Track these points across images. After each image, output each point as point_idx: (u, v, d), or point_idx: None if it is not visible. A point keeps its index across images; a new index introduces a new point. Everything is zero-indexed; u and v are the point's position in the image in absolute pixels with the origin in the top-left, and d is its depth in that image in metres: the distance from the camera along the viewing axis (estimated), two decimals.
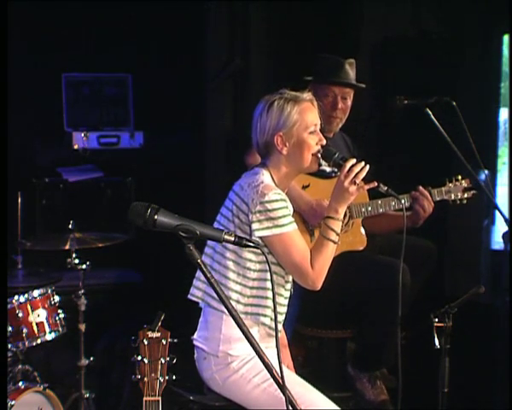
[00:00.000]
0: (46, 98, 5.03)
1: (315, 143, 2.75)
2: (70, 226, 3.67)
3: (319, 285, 2.71)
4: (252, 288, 2.72)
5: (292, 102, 2.73)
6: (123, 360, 4.02)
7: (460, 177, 3.71)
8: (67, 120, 5.11)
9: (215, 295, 2.68)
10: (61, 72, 5.08)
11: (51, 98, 5.06)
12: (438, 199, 3.66)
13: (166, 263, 4.48)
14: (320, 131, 3.67)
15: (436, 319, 2.71)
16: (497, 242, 5.02)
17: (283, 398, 2.06)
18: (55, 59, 4.99)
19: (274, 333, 2.70)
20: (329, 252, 2.71)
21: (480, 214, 4.77)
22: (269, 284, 2.70)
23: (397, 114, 4.03)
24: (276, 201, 2.65)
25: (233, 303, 2.67)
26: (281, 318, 2.78)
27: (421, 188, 3.62)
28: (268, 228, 2.64)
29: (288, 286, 2.80)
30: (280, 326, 2.81)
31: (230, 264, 2.72)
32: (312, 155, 2.75)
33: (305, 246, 2.71)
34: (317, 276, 2.69)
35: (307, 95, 2.77)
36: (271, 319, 2.72)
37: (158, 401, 2.15)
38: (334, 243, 2.71)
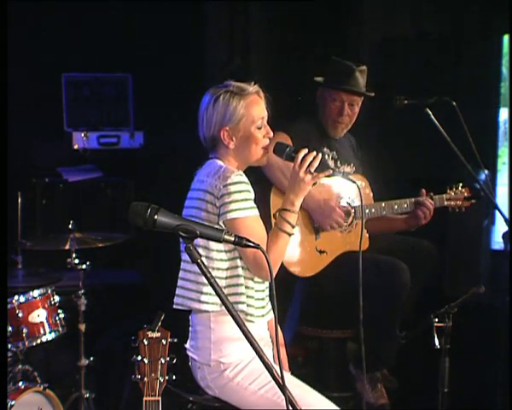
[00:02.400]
0: (46, 98, 5.03)
1: (262, 136, 2.74)
2: (70, 226, 3.67)
3: (272, 277, 2.70)
4: (226, 278, 2.69)
5: (238, 96, 2.70)
6: (123, 360, 4.02)
7: (460, 185, 3.75)
8: (67, 120, 5.12)
9: (194, 297, 2.70)
10: (61, 72, 5.08)
11: (51, 98, 5.06)
12: (438, 206, 3.69)
13: (166, 263, 4.47)
14: (326, 134, 3.69)
15: (436, 319, 2.71)
16: (497, 242, 5.02)
17: (282, 402, 2.05)
18: (55, 59, 4.99)
19: (251, 319, 2.70)
20: (284, 244, 2.69)
21: (480, 214, 4.76)
22: (240, 271, 2.68)
23: (397, 114, 4.02)
24: (240, 183, 2.63)
25: (212, 299, 2.68)
26: (257, 311, 2.75)
27: (425, 196, 3.64)
28: (232, 211, 2.61)
29: (257, 279, 2.76)
30: (261, 317, 2.80)
31: (203, 261, 2.70)
32: (261, 148, 2.74)
33: (264, 235, 2.68)
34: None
35: (253, 87, 2.75)
36: (247, 305, 2.70)
37: (158, 401, 2.15)
38: (289, 235, 2.69)
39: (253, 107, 2.72)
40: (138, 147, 5.13)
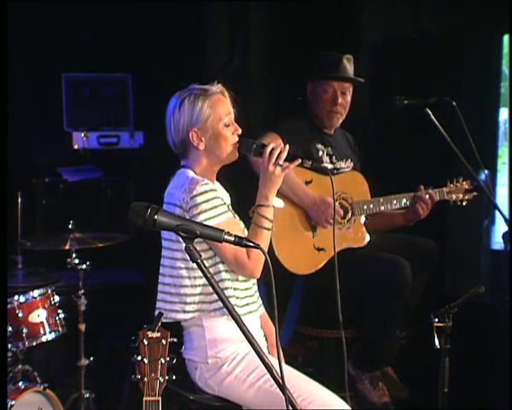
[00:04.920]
0: (46, 98, 5.03)
1: (231, 133, 2.75)
2: (70, 226, 3.67)
3: (257, 274, 2.71)
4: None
5: (202, 97, 2.72)
6: (123, 360, 4.02)
7: (461, 179, 3.74)
8: (67, 120, 5.11)
9: (178, 308, 2.70)
10: (61, 72, 5.08)
11: (51, 98, 5.06)
12: (438, 199, 3.68)
13: None
14: (321, 127, 3.71)
15: (436, 319, 2.71)
16: (497, 242, 5.02)
17: (280, 393, 2.06)
18: (55, 59, 4.99)
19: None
20: (264, 240, 2.69)
21: (480, 214, 4.76)
22: (223, 275, 2.69)
23: (397, 114, 4.02)
24: (206, 192, 2.64)
25: (199, 306, 2.69)
26: (245, 308, 2.76)
27: (423, 190, 3.63)
28: (203, 221, 2.61)
29: (242, 277, 2.76)
30: (254, 312, 2.81)
31: (183, 272, 2.71)
32: (230, 145, 2.75)
33: (241, 235, 2.69)
34: (255, 266, 2.68)
35: (217, 87, 2.77)
36: (236, 305, 2.70)
37: (158, 401, 2.15)
38: (268, 230, 2.70)
39: (219, 105, 2.74)
40: (138, 147, 5.13)
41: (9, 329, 3.29)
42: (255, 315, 2.83)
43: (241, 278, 2.76)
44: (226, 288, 2.70)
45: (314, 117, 3.71)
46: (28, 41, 4.84)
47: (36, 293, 3.42)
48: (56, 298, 3.51)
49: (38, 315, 3.40)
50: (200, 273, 2.62)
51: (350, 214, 3.60)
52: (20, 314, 3.34)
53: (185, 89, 2.79)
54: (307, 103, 3.73)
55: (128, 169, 5.10)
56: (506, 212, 3.69)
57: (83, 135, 4.98)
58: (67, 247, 3.61)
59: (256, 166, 3.30)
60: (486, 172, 3.69)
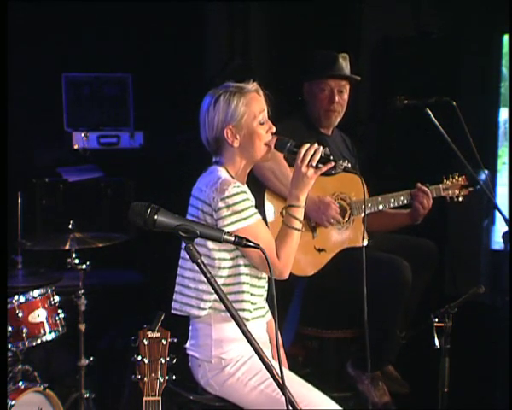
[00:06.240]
0: (46, 98, 5.03)
1: (265, 132, 2.75)
2: (70, 226, 3.66)
3: (286, 275, 2.72)
4: (228, 285, 2.70)
5: (238, 95, 2.72)
6: (123, 360, 4.02)
7: (457, 175, 3.74)
8: (67, 120, 5.11)
9: (194, 303, 2.71)
10: (61, 72, 5.08)
11: (51, 98, 5.06)
12: (435, 196, 3.69)
13: (166, 263, 4.47)
14: (318, 127, 3.70)
15: (436, 319, 2.71)
16: (497, 242, 5.03)
17: (281, 399, 2.05)
18: (55, 59, 4.99)
19: (250, 318, 2.71)
20: (294, 241, 2.70)
21: (480, 214, 4.77)
22: (243, 279, 2.70)
23: (397, 114, 4.02)
24: (237, 194, 2.64)
25: (212, 304, 2.70)
26: (256, 312, 2.76)
27: (419, 185, 3.63)
28: (232, 223, 2.62)
29: (264, 275, 2.78)
30: (261, 317, 2.81)
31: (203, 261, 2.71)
32: (264, 144, 2.75)
33: (270, 236, 2.70)
34: (284, 266, 2.69)
35: (252, 85, 2.77)
36: (250, 311, 2.71)
37: (158, 401, 2.15)
38: (298, 230, 2.71)
39: (254, 103, 2.73)
40: (138, 147, 5.13)
41: (9, 329, 3.29)
42: (263, 320, 2.82)
43: (258, 283, 2.76)
44: (243, 291, 2.70)
45: (311, 117, 3.70)
46: (28, 41, 4.84)
47: (36, 293, 3.42)
48: (56, 298, 3.51)
49: (38, 315, 3.40)
50: (220, 273, 2.68)
51: (349, 214, 3.60)
52: (20, 314, 3.34)
53: (220, 86, 2.77)
54: (304, 104, 3.73)
55: (128, 169, 5.10)
56: (506, 212, 3.69)
57: (83, 135, 4.98)
58: (67, 247, 3.60)
59: (259, 171, 3.31)
60: (486, 172, 3.70)
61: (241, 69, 5.10)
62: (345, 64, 3.66)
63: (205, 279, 2.65)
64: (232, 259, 2.71)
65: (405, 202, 3.66)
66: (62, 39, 4.94)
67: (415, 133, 4.47)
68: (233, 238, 2.05)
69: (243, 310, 2.70)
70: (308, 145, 2.71)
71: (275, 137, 2.79)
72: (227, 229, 2.60)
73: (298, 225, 2.70)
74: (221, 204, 2.63)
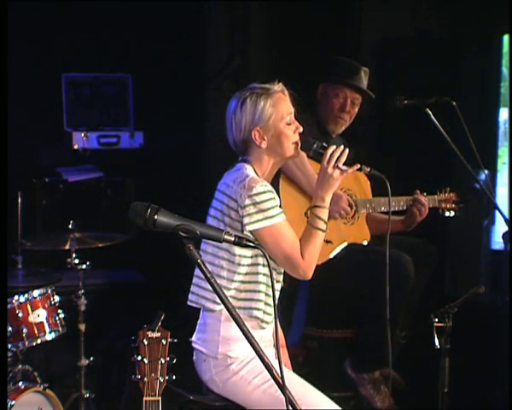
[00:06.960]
0: (46, 98, 5.03)
1: (292, 132, 2.76)
2: (70, 226, 3.67)
3: (310, 275, 2.73)
4: (244, 282, 2.71)
5: (264, 96, 2.73)
6: (123, 360, 4.02)
7: (448, 189, 3.76)
8: (67, 120, 5.12)
9: (209, 297, 2.73)
10: (61, 72, 5.08)
11: (51, 98, 5.06)
12: (431, 206, 3.70)
13: (166, 263, 4.48)
14: (324, 129, 3.70)
15: (436, 319, 2.71)
16: (497, 242, 5.02)
17: (283, 399, 2.05)
18: (55, 59, 4.99)
19: (265, 326, 2.72)
20: (318, 241, 2.72)
21: (480, 214, 4.77)
22: (260, 278, 2.71)
23: (397, 114, 4.02)
24: (264, 192, 2.65)
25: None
26: (270, 317, 2.76)
27: (418, 195, 3.65)
28: (258, 221, 2.64)
29: (280, 278, 2.80)
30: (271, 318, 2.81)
31: (224, 263, 2.72)
32: (292, 143, 2.76)
33: (294, 236, 2.71)
34: (308, 266, 2.70)
35: (278, 86, 2.78)
36: (264, 312, 2.72)
37: (158, 401, 2.15)
38: (323, 231, 2.72)
39: (281, 104, 2.74)
40: (138, 147, 5.13)
41: (9, 329, 3.29)
42: (272, 324, 2.81)
43: (275, 286, 2.76)
44: (259, 291, 2.70)
45: (320, 118, 3.71)
46: (28, 41, 4.84)
47: (36, 293, 3.42)
48: (56, 298, 3.51)
49: (38, 315, 3.40)
50: (238, 269, 2.70)
51: (354, 211, 3.62)
52: (20, 314, 3.34)
53: (245, 88, 2.78)
54: (316, 104, 3.73)
55: (128, 169, 5.10)
56: (506, 212, 3.69)
57: (83, 135, 4.98)
58: (67, 247, 3.61)
59: (286, 168, 3.31)
60: (486, 172, 3.70)
61: (241, 69, 5.10)
62: (365, 78, 3.68)
63: (223, 274, 2.70)
64: (252, 257, 2.71)
65: (404, 206, 3.68)
66: (62, 39, 4.94)
67: (415, 133, 4.47)
68: (233, 238, 2.05)
69: (257, 309, 2.71)
70: (334, 147, 2.73)
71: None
72: (253, 226, 2.64)
73: (322, 225, 2.72)
74: (248, 201, 2.63)
